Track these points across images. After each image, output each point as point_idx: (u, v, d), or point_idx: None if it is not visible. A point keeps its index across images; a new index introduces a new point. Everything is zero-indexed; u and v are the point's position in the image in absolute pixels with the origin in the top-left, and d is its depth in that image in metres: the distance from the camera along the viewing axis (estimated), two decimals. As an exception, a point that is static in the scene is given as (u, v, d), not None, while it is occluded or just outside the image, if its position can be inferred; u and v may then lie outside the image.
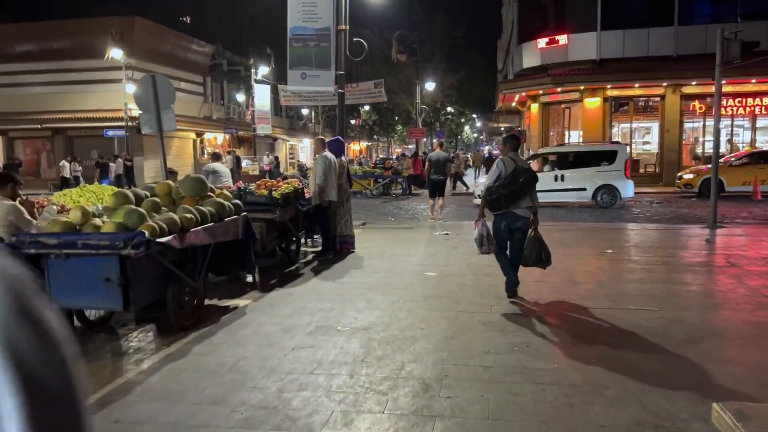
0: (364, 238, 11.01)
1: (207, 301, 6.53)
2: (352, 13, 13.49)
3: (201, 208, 5.75)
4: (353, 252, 9.51)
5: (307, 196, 9.02)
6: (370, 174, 23.98)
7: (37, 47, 31.19)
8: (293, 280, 7.66)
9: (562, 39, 25.87)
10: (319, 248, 9.51)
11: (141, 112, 9.03)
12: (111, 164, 25.57)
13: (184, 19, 59.68)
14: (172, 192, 6.19)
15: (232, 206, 6.33)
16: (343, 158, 9.58)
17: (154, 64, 32.76)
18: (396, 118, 48.94)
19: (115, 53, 27.80)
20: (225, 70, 42.05)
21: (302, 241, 10.21)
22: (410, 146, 34.59)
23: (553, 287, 7.04)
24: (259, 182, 9.15)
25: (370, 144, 65.89)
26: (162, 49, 33.53)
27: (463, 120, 50.58)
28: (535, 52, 27.32)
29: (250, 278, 7.45)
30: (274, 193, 7.89)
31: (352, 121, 54.80)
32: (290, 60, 12.75)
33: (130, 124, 29.12)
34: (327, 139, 9.77)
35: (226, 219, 6.11)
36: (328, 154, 9.08)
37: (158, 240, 4.85)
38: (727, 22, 23.81)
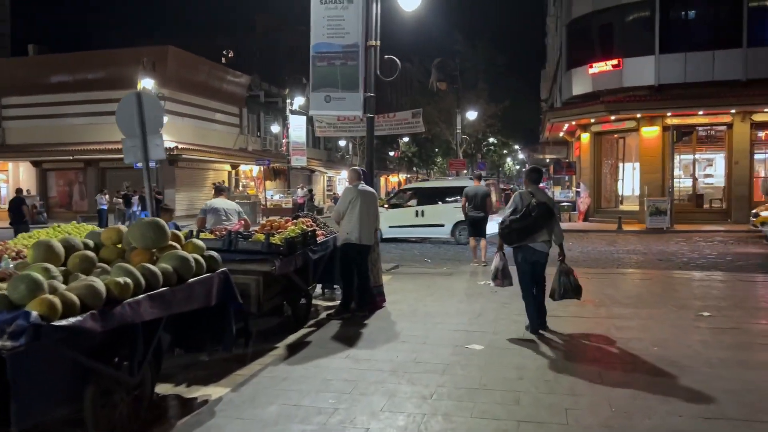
0: (395, 288, 9.19)
1: (169, 389, 4.81)
2: (390, 41, 12.05)
3: (150, 267, 4.05)
4: (383, 307, 7.72)
5: (320, 239, 7.29)
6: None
7: (71, 78, 30.85)
8: (294, 353, 5.87)
9: (617, 63, 23.87)
10: (338, 302, 7.73)
11: (123, 138, 7.49)
12: (134, 197, 24.45)
13: (227, 52, 59.94)
14: (123, 241, 4.53)
15: (203, 261, 4.62)
16: (370, 189, 7.87)
17: (188, 94, 32.11)
18: (436, 150, 47.30)
19: (147, 83, 27.02)
20: (262, 102, 41.32)
21: (321, 291, 8.50)
22: (450, 179, 32.89)
23: (654, 374, 5.08)
24: (264, 222, 7.45)
25: (410, 176, 64.38)
26: (196, 80, 32.86)
27: (505, 151, 48.60)
28: (586, 77, 25.37)
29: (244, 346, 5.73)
30: (273, 238, 6.17)
31: (391, 153, 53.47)
32: (313, 81, 11.16)
33: (160, 155, 28.16)
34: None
35: (190, 280, 4.40)
36: (363, 185, 7.42)
37: (58, 324, 3.16)
38: (804, 42, 21.52)
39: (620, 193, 26.45)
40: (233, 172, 37.59)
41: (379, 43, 10.91)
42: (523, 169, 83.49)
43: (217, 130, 35.73)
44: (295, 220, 7.73)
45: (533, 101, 55.75)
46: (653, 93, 23.09)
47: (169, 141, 29.80)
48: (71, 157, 30.66)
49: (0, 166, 32.99)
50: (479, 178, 12.89)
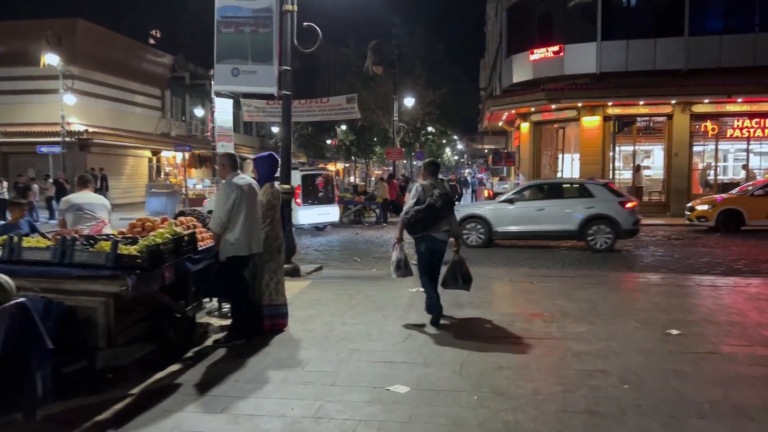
0: (310, 299, 7.70)
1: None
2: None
3: None
4: (284, 331, 6.19)
5: (205, 244, 5.68)
6: (340, 200, 20.65)
7: (-34, 52, 27.62)
8: (150, 405, 4.27)
9: (558, 50, 23.01)
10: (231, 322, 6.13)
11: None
12: (34, 185, 21.86)
13: (154, 32, 56.44)
14: None
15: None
16: (276, 184, 6.28)
17: (101, 73, 29.46)
18: (375, 138, 45.86)
19: (51, 59, 24.30)
20: (187, 84, 38.71)
21: (217, 306, 6.88)
22: (390, 168, 31.54)
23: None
24: (135, 221, 5.76)
25: (348, 165, 62.72)
26: (112, 58, 30.14)
27: (444, 141, 47.64)
28: (526, 64, 24.46)
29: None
30: (125, 247, 4.52)
31: (328, 141, 51.69)
32: (218, 51, 9.50)
33: (68, 139, 25.56)
34: (255, 156, 6.50)
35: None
36: (242, 178, 5.77)
37: None
38: (744, 32, 21.18)
39: (560, 185, 25.76)
40: (154, 158, 35.00)
41: (296, 8, 9.30)
42: (461, 160, 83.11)
43: (136, 113, 33.07)
44: (176, 219, 6.09)
45: (472, 91, 55.00)
46: (595, 81, 22.37)
47: (78, 124, 27.22)
48: (-34, 141, 27.57)
49: None
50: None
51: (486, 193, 26.79)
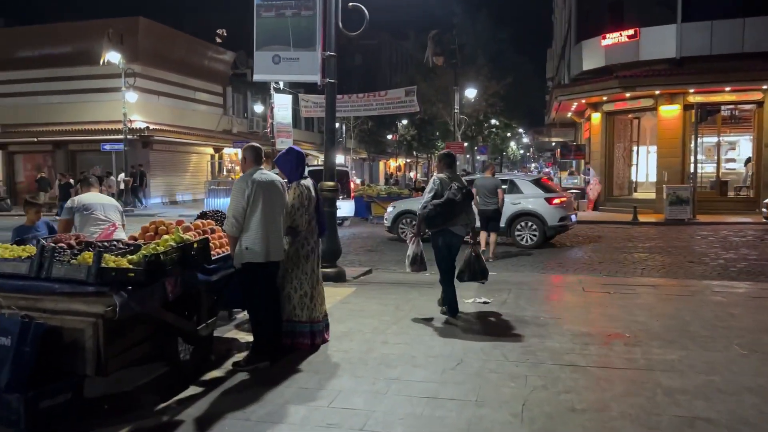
0: (351, 310, 6.86)
1: None
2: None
3: None
4: (323, 343, 5.39)
5: (224, 251, 4.93)
6: (396, 196, 19.78)
7: (36, 53, 28.37)
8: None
9: (633, 34, 21.30)
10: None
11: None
12: (110, 179, 22.11)
13: (221, 32, 57.22)
14: None
15: None
16: (308, 182, 5.44)
17: (163, 70, 29.67)
18: (437, 133, 44.70)
19: (113, 57, 24.51)
20: (249, 80, 38.71)
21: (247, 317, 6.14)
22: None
23: None
24: (148, 225, 5.06)
25: (409, 161, 61.81)
26: (173, 55, 30.31)
27: (508, 134, 45.97)
28: (598, 51, 22.83)
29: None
30: (114, 259, 3.79)
31: (389, 136, 50.95)
32: (257, 38, 8.80)
33: (130, 137, 25.80)
34: (282, 151, 5.70)
35: None
36: (263, 174, 4.96)
37: None
38: None
39: (634, 180, 24.02)
40: (216, 155, 35.17)
41: (341, -13, 8.48)
42: (527, 154, 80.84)
43: (197, 111, 33.24)
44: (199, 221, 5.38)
45: (538, 81, 52.90)
46: (674, 67, 20.55)
47: (140, 121, 27.46)
48: (35, 139, 28.29)
49: (-39, 148, 30.63)
50: (490, 167, 12.16)
51: (554, 188, 25.32)
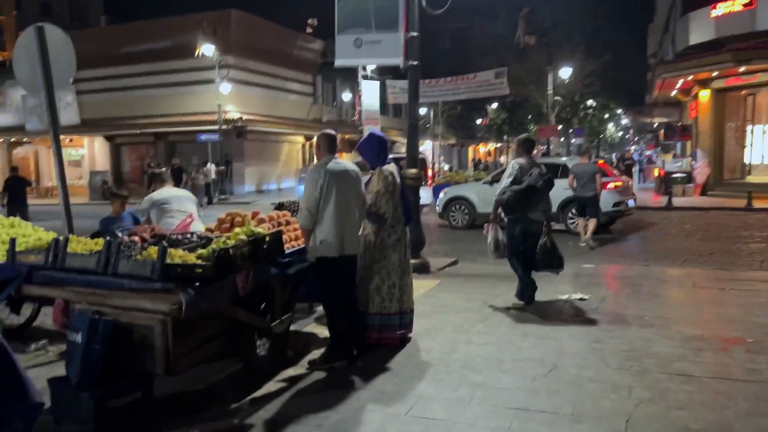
0: (434, 305, 6.50)
1: None
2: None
3: None
4: (406, 338, 5.09)
5: (295, 245, 4.70)
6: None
7: (137, 49, 29.72)
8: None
9: (749, 1, 19.40)
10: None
11: (24, 94, 5.18)
12: (208, 166, 23.02)
13: (311, 21, 58.04)
14: None
15: None
16: (391, 167, 5.11)
17: (255, 61, 30.33)
18: (529, 116, 43.13)
19: (206, 50, 25.27)
20: (338, 69, 38.98)
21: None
22: (542, 147, 29.12)
23: None
24: (224, 216, 4.91)
25: (500, 145, 60.24)
26: (264, 46, 30.89)
27: (606, 115, 43.60)
28: (706, 22, 21.00)
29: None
30: (181, 253, 3.62)
31: (478, 121, 49.82)
32: (339, 21, 8.54)
33: (224, 127, 26.57)
34: (361, 138, 5.40)
35: None
36: (337, 163, 4.68)
37: None
38: None
39: (747, 162, 22.01)
40: (307, 144, 35.67)
41: (423, -37, 8.05)
42: (626, 136, 76.71)
43: (288, 100, 33.80)
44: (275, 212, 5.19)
45: (638, 59, 49.80)
46: (797, 37, 18.53)
47: (234, 112, 28.21)
48: (138, 131, 29.76)
49: (76, 141, 32.74)
50: (586, 152, 12.01)
51: (656, 172, 23.70)
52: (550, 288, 6.87)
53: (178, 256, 3.58)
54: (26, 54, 4.92)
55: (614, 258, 9.80)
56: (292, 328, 5.37)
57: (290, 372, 4.59)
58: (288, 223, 4.92)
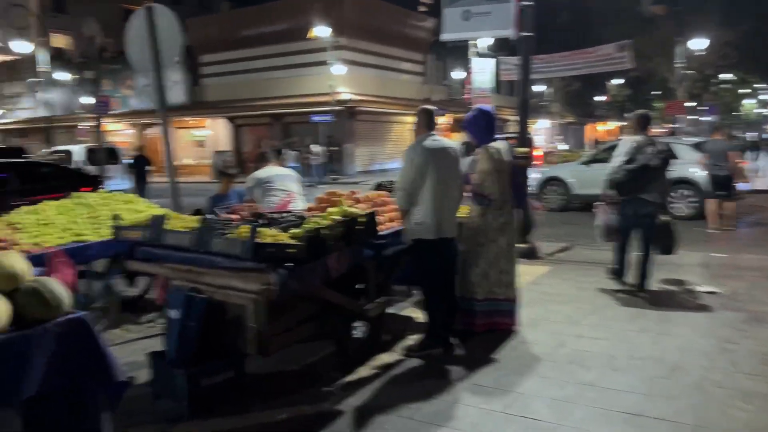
0: (542, 293, 6.10)
1: None
2: None
3: None
4: (507, 334, 4.78)
5: (389, 227, 4.51)
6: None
7: (256, 32, 30.75)
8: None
9: None
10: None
11: (136, 73, 5.33)
12: (289, 152, 23.62)
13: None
14: None
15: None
16: (498, 145, 4.79)
17: (366, 41, 30.46)
18: (655, 92, 40.24)
19: (319, 32, 25.66)
20: (449, 47, 38.30)
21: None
22: (670, 125, 26.88)
23: None
24: (322, 195, 4.81)
25: (623, 125, 56.83)
26: (376, 25, 30.90)
27: (744, 90, 39.81)
28: None
29: None
30: (273, 234, 3.53)
31: (597, 98, 47.29)
32: (447, -8, 8.19)
33: (336, 108, 26.97)
34: (470, 115, 5.08)
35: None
36: (435, 140, 4.41)
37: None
38: None
39: None
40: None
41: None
42: (765, 113, 70.18)
43: (399, 80, 33.71)
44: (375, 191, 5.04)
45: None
46: None
47: (346, 92, 28.53)
48: (257, 113, 30.91)
49: (200, 122, 34.63)
50: (718, 129, 11.26)
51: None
52: (673, 278, 6.25)
53: (269, 235, 3.49)
54: (137, 35, 5.07)
55: (747, 247, 8.80)
56: (389, 311, 5.24)
57: (385, 357, 4.44)
58: (385, 203, 4.74)
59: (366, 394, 3.84)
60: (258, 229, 3.49)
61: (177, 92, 5.17)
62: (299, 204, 5.39)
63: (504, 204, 4.76)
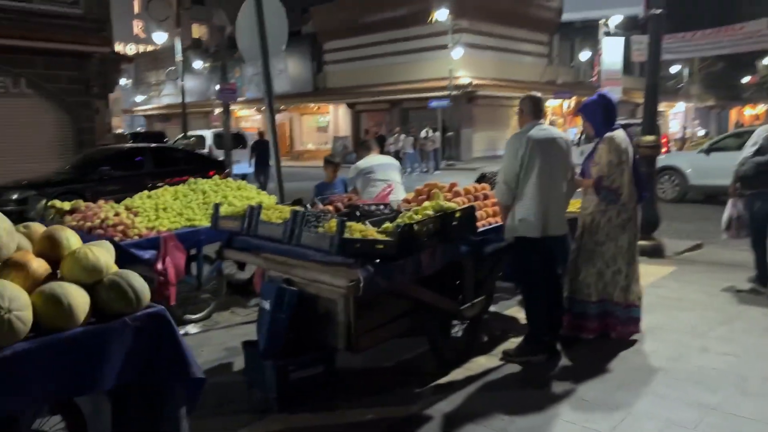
0: (665, 297, 5.56)
1: None
2: None
3: None
4: (626, 336, 4.40)
5: (490, 223, 4.24)
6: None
7: (377, 18, 30.96)
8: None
9: None
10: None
11: (246, 64, 5.41)
12: (407, 137, 23.57)
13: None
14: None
15: (65, 301, 2.18)
16: (620, 134, 4.36)
17: (488, 23, 29.72)
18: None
19: (440, 15, 25.33)
20: (578, 27, 36.42)
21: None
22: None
23: None
24: (421, 187, 4.63)
25: (773, 107, 51.50)
26: (498, 6, 30.01)
27: None
28: None
29: None
30: (361, 228, 3.40)
31: (745, 79, 43.06)
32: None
33: (454, 93, 26.57)
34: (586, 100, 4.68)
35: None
36: (542, 129, 4.07)
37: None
38: None
39: None
40: (539, 108, 34.15)
41: None
42: None
43: (521, 63, 32.60)
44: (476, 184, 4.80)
45: None
46: None
47: (465, 77, 28.03)
48: (375, 99, 31.20)
49: (323, 108, 35.59)
50: None
51: None
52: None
53: (358, 230, 3.38)
54: (247, 24, 5.15)
55: None
56: (492, 309, 4.99)
57: (482, 360, 4.21)
58: (486, 197, 4.48)
59: (458, 400, 3.64)
60: (347, 223, 3.38)
61: (282, 81, 5.20)
62: (399, 194, 5.25)
63: (629, 199, 4.35)
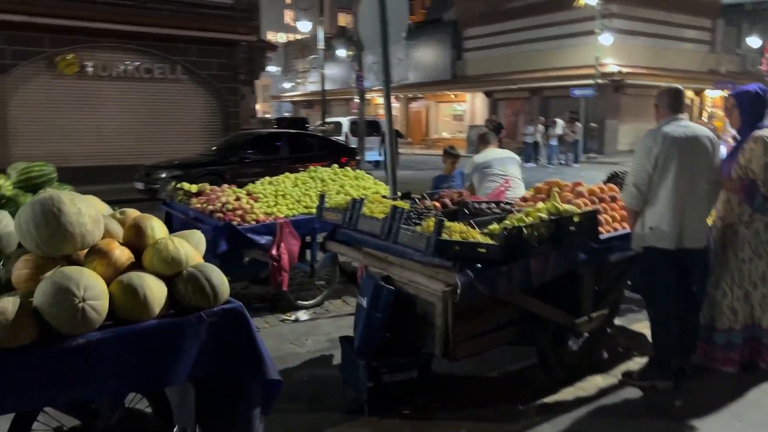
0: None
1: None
2: None
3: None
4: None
5: (616, 229, 3.78)
6: None
7: (519, 4, 29.92)
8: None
9: None
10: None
11: (366, 51, 5.31)
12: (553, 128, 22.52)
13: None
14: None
15: (144, 292, 2.16)
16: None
17: (642, 8, 27.62)
18: None
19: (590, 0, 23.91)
20: (747, 10, 32.82)
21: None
22: None
23: None
24: (541, 184, 4.26)
25: None
26: (653, -11, 27.79)
27: None
28: None
29: None
30: (462, 229, 3.14)
31: None
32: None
33: (600, 81, 25.02)
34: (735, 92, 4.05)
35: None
36: (681, 126, 3.55)
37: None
38: None
39: None
40: (696, 99, 31.29)
41: None
42: None
43: (678, 50, 29.95)
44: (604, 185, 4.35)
45: None
46: None
47: (613, 64, 26.29)
48: (515, 86, 30.24)
49: (460, 96, 35.18)
50: None
51: None
52: None
53: (458, 231, 3.13)
54: (369, 11, 5.04)
55: None
56: (617, 322, 4.53)
57: (597, 380, 3.80)
58: (614, 199, 4.02)
59: (563, 423, 3.30)
60: (447, 223, 3.15)
61: (401, 70, 5.04)
62: (518, 191, 4.91)
63: None
